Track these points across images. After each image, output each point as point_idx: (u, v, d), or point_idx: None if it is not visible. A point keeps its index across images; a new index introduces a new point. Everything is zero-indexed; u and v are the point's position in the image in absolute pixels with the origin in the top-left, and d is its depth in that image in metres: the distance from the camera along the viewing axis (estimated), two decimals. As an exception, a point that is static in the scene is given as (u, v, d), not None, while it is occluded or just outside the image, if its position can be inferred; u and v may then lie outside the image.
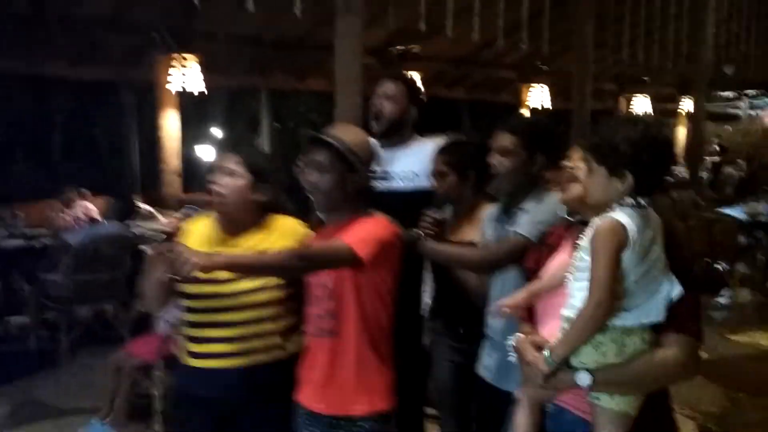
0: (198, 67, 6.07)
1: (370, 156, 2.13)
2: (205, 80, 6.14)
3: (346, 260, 1.93)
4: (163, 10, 5.72)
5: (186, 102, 6.58)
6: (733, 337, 5.34)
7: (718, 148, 15.09)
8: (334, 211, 2.11)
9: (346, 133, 2.09)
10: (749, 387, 4.36)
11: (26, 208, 6.26)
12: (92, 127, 9.88)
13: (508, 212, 2.28)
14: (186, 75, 5.99)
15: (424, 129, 3.02)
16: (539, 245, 1.90)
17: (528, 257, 1.92)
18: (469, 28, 5.65)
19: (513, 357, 1.73)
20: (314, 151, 2.06)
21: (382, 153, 2.88)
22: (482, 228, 2.43)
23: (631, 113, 8.71)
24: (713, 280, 6.66)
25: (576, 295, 1.56)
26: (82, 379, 4.48)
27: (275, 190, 2.21)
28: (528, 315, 1.79)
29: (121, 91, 8.33)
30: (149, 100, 6.64)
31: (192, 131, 11.10)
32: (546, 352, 1.57)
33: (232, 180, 2.10)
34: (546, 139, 2.22)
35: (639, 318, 1.53)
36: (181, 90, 6.06)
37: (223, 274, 2.01)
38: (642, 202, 1.54)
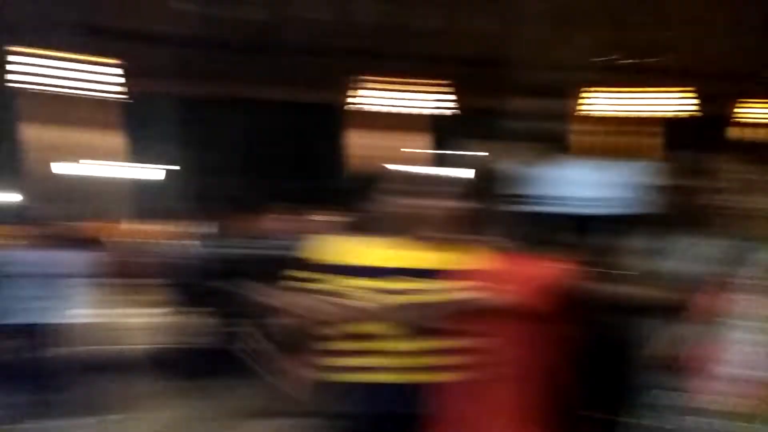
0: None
1: (513, 182, 1.99)
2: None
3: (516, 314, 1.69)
4: (354, 35, 5.89)
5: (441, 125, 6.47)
6: None
7: None
8: (477, 242, 1.86)
9: (493, 158, 1.97)
10: None
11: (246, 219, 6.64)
12: (311, 145, 10.28)
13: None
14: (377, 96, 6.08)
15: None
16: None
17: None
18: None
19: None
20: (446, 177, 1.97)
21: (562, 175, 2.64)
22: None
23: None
24: None
25: None
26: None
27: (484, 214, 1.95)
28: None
29: (332, 111, 8.76)
30: (350, 120, 6.81)
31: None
32: None
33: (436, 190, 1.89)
34: None
35: None
36: (379, 111, 6.21)
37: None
38: None
